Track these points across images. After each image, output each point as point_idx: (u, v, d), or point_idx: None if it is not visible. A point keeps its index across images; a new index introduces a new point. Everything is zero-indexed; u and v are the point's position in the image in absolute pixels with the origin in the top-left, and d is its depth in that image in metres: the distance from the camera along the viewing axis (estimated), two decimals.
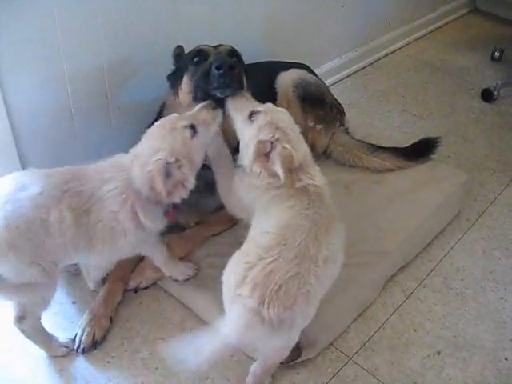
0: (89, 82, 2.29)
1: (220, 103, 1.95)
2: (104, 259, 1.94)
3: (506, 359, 2.06)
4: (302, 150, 1.81)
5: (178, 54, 2.24)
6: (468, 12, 4.77)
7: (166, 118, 1.87)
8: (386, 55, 4.02)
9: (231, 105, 1.94)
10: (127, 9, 2.28)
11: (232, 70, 2.00)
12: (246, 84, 2.12)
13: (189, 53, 2.22)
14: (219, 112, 1.91)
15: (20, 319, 1.84)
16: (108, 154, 2.46)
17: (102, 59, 2.28)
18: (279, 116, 1.83)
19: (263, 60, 2.80)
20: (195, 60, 2.13)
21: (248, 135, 1.82)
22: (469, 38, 4.39)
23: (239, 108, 1.90)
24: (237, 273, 1.59)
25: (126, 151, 2.44)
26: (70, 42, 2.14)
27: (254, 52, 2.82)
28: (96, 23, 2.20)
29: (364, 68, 3.84)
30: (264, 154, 1.77)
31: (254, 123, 1.81)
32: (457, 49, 4.22)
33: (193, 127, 1.80)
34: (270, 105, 1.89)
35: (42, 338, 1.94)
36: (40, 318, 1.89)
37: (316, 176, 1.83)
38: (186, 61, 2.18)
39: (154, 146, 1.76)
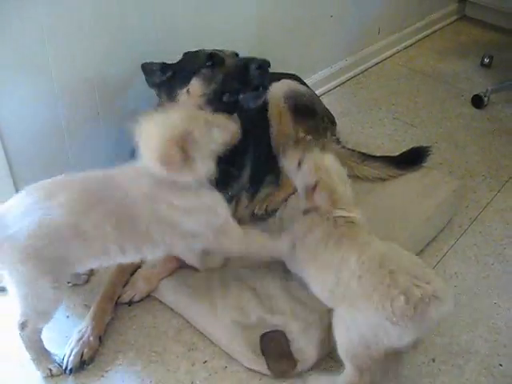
0: (79, 96, 2.30)
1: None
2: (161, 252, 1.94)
3: (500, 365, 2.07)
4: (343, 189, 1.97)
5: (163, 65, 2.23)
6: (457, 19, 4.79)
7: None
8: (377, 64, 4.03)
9: (283, 156, 2.12)
10: (115, 21, 2.29)
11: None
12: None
13: (191, 57, 2.22)
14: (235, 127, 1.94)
15: (22, 326, 1.84)
16: (99, 167, 2.50)
17: (91, 72, 2.29)
18: (323, 160, 2.00)
19: None
20: (208, 64, 2.14)
21: (298, 182, 2.04)
22: (458, 45, 4.41)
23: (289, 158, 2.08)
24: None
25: (118, 165, 2.47)
26: (58, 56, 2.15)
27: None
28: (85, 36, 2.21)
29: (354, 77, 3.85)
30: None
31: (301, 171, 2.00)
32: (446, 56, 4.23)
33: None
34: (316, 150, 2.06)
35: (37, 352, 1.93)
36: (39, 331, 1.88)
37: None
38: (189, 65, 2.18)
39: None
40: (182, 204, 1.83)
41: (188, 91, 2.14)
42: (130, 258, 1.91)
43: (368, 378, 1.77)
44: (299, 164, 2.01)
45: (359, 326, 1.71)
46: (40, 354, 1.94)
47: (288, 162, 2.07)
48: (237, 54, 2.24)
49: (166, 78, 2.21)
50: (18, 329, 1.85)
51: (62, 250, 1.72)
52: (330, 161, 2.01)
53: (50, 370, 1.94)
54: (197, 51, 2.22)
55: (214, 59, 2.14)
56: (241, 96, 2.10)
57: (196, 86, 2.13)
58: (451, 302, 1.71)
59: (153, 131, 1.78)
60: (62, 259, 1.74)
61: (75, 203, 1.72)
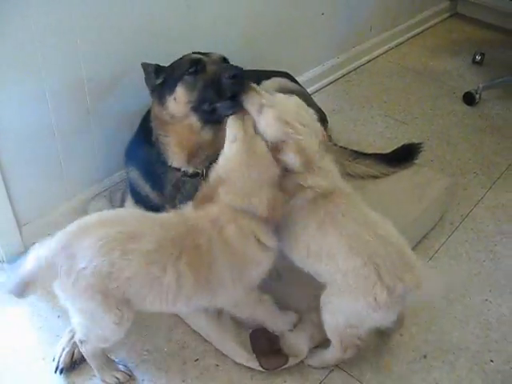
0: (69, 96, 2.29)
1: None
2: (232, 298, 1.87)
3: (491, 361, 2.07)
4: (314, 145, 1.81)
5: (158, 68, 2.19)
6: (449, 17, 4.80)
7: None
8: (368, 61, 4.03)
9: (244, 100, 1.89)
10: (105, 22, 2.28)
11: (243, 79, 1.99)
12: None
13: (179, 63, 2.18)
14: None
15: (81, 342, 1.84)
16: (90, 167, 2.49)
17: (81, 73, 2.28)
18: (288, 107, 1.82)
19: (245, 69, 2.81)
20: (191, 70, 2.09)
21: (261, 131, 1.81)
22: (450, 43, 4.42)
23: (251, 103, 1.86)
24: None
25: (110, 166, 2.47)
26: (49, 58, 2.14)
27: (235, 61, 2.82)
28: (75, 38, 2.20)
29: (346, 75, 3.86)
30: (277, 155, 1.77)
31: (261, 119, 1.81)
32: (438, 53, 4.24)
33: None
34: (279, 96, 1.88)
35: (100, 362, 1.90)
36: (100, 347, 1.86)
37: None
38: (176, 71, 2.14)
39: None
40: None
41: (175, 99, 2.11)
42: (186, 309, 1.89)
43: (353, 352, 1.90)
44: (260, 110, 1.82)
45: (344, 311, 1.78)
46: (103, 363, 1.91)
47: (249, 105, 1.87)
48: (225, 59, 2.21)
49: (157, 84, 2.18)
50: (78, 343, 1.85)
51: (133, 294, 1.68)
52: (296, 107, 1.84)
53: (117, 378, 1.92)
54: (183, 56, 2.19)
55: (196, 66, 2.10)
56: (218, 105, 2.03)
57: (180, 93, 2.10)
58: (433, 287, 1.74)
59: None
60: (129, 301, 1.70)
61: (156, 254, 1.65)
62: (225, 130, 1.85)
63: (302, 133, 1.77)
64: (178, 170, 2.17)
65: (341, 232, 1.76)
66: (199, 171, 2.16)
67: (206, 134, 2.11)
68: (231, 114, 1.89)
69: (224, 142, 1.82)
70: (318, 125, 1.87)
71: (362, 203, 1.90)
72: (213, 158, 1.89)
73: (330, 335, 1.87)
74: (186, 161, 2.15)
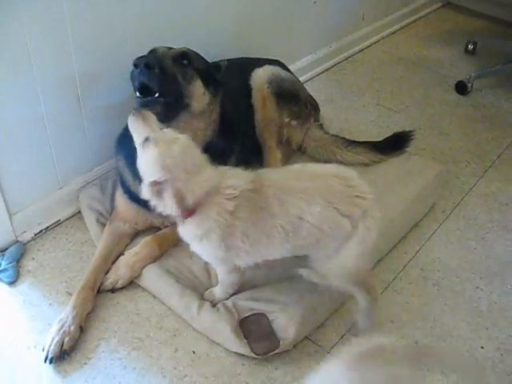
0: (60, 85, 2.27)
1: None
2: None
3: (482, 347, 2.08)
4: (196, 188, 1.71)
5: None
6: (441, 6, 4.80)
7: None
8: (361, 50, 4.03)
9: (130, 126, 1.81)
10: (96, 12, 2.26)
11: (150, 69, 1.92)
12: (190, 90, 2.08)
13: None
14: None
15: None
16: (81, 156, 2.48)
17: (72, 63, 2.26)
18: (170, 149, 1.68)
19: (237, 57, 2.80)
20: (135, 63, 2.03)
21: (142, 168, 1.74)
22: (442, 32, 4.42)
23: (137, 132, 1.78)
24: None
25: (101, 154, 2.46)
26: (39, 48, 2.11)
27: (227, 49, 2.83)
28: (65, 27, 2.16)
29: (339, 63, 3.85)
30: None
31: (144, 155, 1.71)
32: (431, 43, 4.24)
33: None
34: (165, 132, 1.75)
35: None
36: None
37: None
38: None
39: None
40: None
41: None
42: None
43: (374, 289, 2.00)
44: (145, 141, 1.72)
45: (338, 256, 1.85)
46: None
47: (135, 136, 1.78)
48: (185, 52, 2.12)
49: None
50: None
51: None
52: (181, 150, 1.70)
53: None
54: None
55: (140, 58, 2.03)
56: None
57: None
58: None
59: None
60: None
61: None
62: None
63: (182, 180, 1.68)
64: None
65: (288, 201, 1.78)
66: None
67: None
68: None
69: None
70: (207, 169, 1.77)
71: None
72: None
73: (348, 287, 1.95)
74: None
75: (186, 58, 2.13)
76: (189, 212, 1.74)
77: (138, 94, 2.00)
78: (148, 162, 1.70)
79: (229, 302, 2.07)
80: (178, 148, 1.69)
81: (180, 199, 1.69)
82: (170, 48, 2.16)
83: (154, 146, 1.68)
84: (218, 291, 2.09)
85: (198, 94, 2.12)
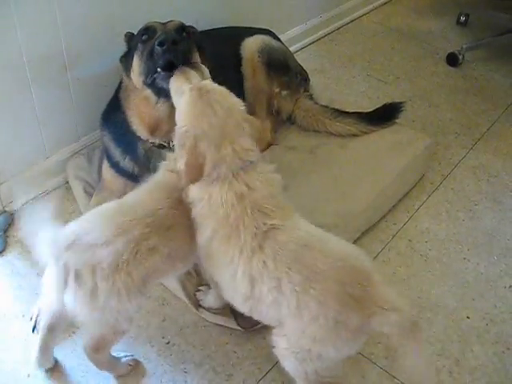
0: (47, 56, 2.23)
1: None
2: None
3: (467, 317, 2.10)
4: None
5: (131, 35, 2.10)
6: None
7: None
8: (352, 21, 3.98)
9: (171, 84, 1.77)
10: None
11: (176, 45, 1.87)
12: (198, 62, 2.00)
13: (138, 31, 2.07)
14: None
15: (96, 350, 1.72)
16: (68, 125, 2.45)
17: (58, 31, 2.22)
18: (203, 99, 1.56)
19: (227, 26, 2.77)
20: (143, 38, 1.99)
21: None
22: (434, 3, 4.37)
23: (174, 83, 1.75)
24: None
25: (88, 124, 2.42)
26: (26, 18, 2.08)
27: (217, 18, 2.79)
28: (54, 13, 2.14)
29: (329, 34, 3.81)
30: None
31: (180, 101, 1.63)
32: (422, 14, 4.20)
33: None
34: (204, 83, 1.64)
35: (112, 363, 1.84)
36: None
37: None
38: (136, 40, 2.05)
39: None
40: None
41: (133, 70, 2.01)
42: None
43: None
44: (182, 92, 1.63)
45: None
46: (114, 363, 1.85)
47: (173, 87, 1.74)
48: (182, 26, 2.05)
49: (123, 54, 2.11)
50: (90, 352, 1.72)
51: None
52: (215, 97, 1.55)
53: (125, 369, 1.86)
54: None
55: (147, 33, 1.99)
56: (155, 76, 1.91)
57: (135, 63, 2.00)
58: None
59: None
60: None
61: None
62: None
63: (210, 134, 1.51)
64: (146, 140, 2.10)
65: None
66: (165, 144, 2.07)
67: (162, 108, 1.98)
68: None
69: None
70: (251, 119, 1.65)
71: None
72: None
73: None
74: (148, 133, 2.06)
75: (184, 31, 2.07)
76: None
77: (160, 70, 1.92)
78: (179, 112, 1.61)
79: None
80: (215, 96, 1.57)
81: (192, 165, 1.51)
82: (163, 23, 2.07)
83: (188, 96, 1.58)
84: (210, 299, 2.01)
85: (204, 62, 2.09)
